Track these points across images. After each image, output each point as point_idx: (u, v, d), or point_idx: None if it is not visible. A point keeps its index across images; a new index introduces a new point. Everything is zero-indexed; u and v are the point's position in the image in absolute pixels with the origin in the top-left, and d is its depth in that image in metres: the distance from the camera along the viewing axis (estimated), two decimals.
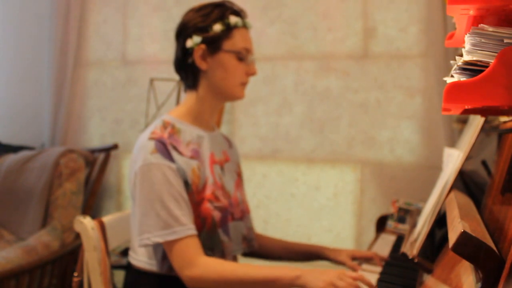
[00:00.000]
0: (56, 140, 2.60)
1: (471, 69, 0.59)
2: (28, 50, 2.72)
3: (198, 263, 1.13)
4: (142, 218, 1.16)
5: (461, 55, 0.61)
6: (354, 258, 1.32)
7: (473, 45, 0.58)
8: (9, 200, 2.30)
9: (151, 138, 1.20)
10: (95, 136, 2.63)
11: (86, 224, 1.19)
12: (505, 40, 0.57)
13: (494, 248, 0.61)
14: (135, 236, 1.20)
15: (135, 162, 1.20)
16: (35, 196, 2.24)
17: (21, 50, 2.74)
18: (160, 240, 1.14)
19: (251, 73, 1.30)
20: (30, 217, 2.23)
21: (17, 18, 2.74)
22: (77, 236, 2.17)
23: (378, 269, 1.26)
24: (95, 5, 2.61)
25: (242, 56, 1.27)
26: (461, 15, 0.67)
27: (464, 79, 0.59)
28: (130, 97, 2.54)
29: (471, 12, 0.65)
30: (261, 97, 2.30)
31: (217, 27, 1.25)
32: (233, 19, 1.26)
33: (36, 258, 2.00)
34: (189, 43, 1.26)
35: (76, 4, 2.57)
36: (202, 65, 1.26)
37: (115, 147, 2.43)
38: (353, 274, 1.05)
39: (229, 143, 1.48)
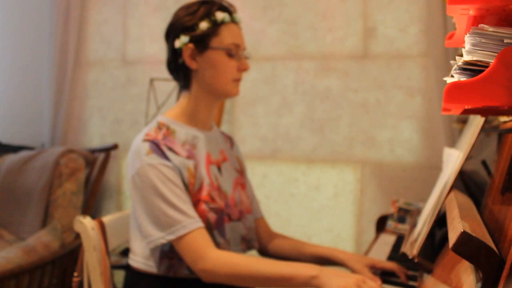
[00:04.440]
0: (56, 140, 2.60)
1: (471, 69, 0.59)
2: (28, 50, 2.72)
3: (209, 256, 1.12)
4: (150, 220, 1.16)
5: (461, 55, 0.61)
6: (372, 268, 1.22)
7: (473, 45, 0.58)
8: (9, 200, 2.29)
9: (145, 140, 1.19)
10: (95, 136, 2.63)
11: (86, 224, 1.19)
12: (505, 40, 0.57)
13: (494, 248, 0.61)
14: (144, 238, 1.19)
15: (132, 166, 1.19)
16: (35, 196, 2.24)
17: (21, 50, 2.74)
18: (173, 237, 1.13)
19: (242, 68, 1.27)
20: (30, 217, 2.22)
21: (17, 18, 2.74)
22: (77, 236, 2.17)
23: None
24: (95, 5, 2.61)
25: (232, 52, 1.24)
26: (461, 15, 0.67)
27: (464, 79, 0.59)
28: (130, 97, 2.54)
29: (471, 12, 0.65)
30: (261, 97, 2.30)
31: (204, 25, 1.23)
32: (219, 15, 1.24)
33: (36, 258, 2.00)
34: (177, 43, 1.25)
35: (76, 4, 2.57)
36: (192, 64, 1.25)
37: (115, 147, 2.43)
38: (373, 284, 1.00)
39: (230, 141, 1.47)
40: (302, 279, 1.04)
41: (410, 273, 1.20)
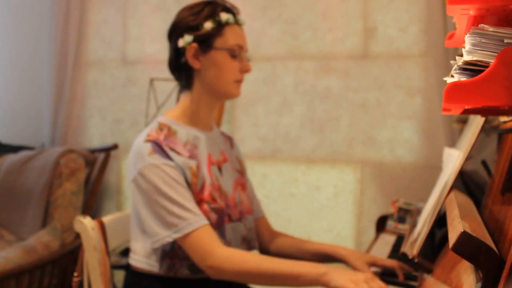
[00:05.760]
0: (56, 140, 2.60)
1: (471, 69, 0.59)
2: (28, 50, 2.72)
3: (217, 252, 1.12)
4: (155, 219, 1.16)
5: (461, 55, 0.61)
6: (373, 265, 1.23)
7: (473, 45, 0.58)
8: (9, 200, 2.29)
9: (147, 141, 1.20)
10: (95, 136, 2.63)
11: (86, 224, 1.19)
12: (505, 40, 0.57)
13: (494, 248, 0.61)
14: (150, 238, 1.19)
15: (135, 166, 1.19)
16: (35, 196, 2.24)
17: (21, 50, 2.74)
18: (179, 235, 1.13)
19: (245, 70, 1.28)
20: (30, 217, 2.22)
21: (17, 19, 2.74)
22: (77, 236, 2.17)
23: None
24: (95, 5, 2.61)
25: (235, 53, 1.25)
26: (461, 15, 0.68)
27: (464, 79, 0.59)
28: (130, 97, 2.54)
29: (471, 12, 0.65)
30: (261, 97, 2.30)
31: (208, 25, 1.23)
32: (224, 16, 1.25)
33: (36, 258, 2.00)
34: (181, 42, 1.25)
35: (76, 4, 2.56)
36: (195, 64, 1.25)
37: (115, 147, 2.43)
38: (381, 283, 1.01)
39: (230, 141, 1.47)
40: (311, 276, 1.05)
41: (412, 270, 1.18)
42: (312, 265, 1.08)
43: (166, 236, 1.15)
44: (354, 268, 1.22)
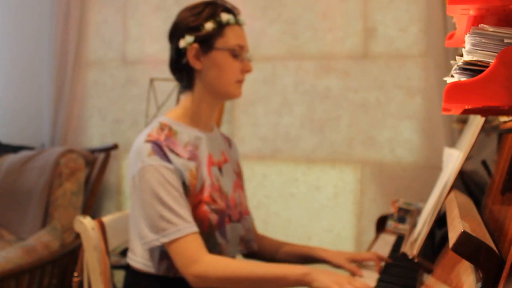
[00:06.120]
0: (56, 140, 2.60)
1: (471, 69, 0.59)
2: (28, 50, 2.72)
3: (201, 260, 1.12)
4: (146, 221, 1.16)
5: (461, 55, 0.61)
6: (353, 262, 1.27)
7: (473, 45, 0.58)
8: (9, 200, 2.29)
9: (147, 141, 1.20)
10: (95, 136, 2.63)
11: (86, 224, 1.19)
12: (505, 40, 0.57)
13: (494, 248, 0.61)
14: (140, 239, 1.19)
15: (133, 166, 1.20)
16: (35, 196, 2.24)
17: (21, 50, 2.74)
18: (166, 240, 1.13)
19: (246, 70, 1.28)
20: (30, 217, 2.22)
21: (17, 19, 2.74)
22: (77, 236, 2.17)
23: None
24: (95, 5, 2.61)
25: (236, 53, 1.26)
26: (461, 15, 0.68)
27: (464, 79, 0.59)
28: (130, 97, 2.54)
29: (471, 12, 0.65)
30: (261, 97, 2.30)
31: (209, 26, 1.24)
32: (224, 17, 1.25)
33: (36, 258, 2.00)
34: (182, 43, 1.25)
35: (76, 4, 2.56)
36: (196, 64, 1.26)
37: (115, 147, 2.43)
38: (364, 282, 1.04)
39: (229, 142, 1.47)
40: (294, 277, 1.07)
41: (390, 261, 1.24)
42: (294, 266, 1.10)
43: (154, 240, 1.15)
44: (338, 266, 1.26)
